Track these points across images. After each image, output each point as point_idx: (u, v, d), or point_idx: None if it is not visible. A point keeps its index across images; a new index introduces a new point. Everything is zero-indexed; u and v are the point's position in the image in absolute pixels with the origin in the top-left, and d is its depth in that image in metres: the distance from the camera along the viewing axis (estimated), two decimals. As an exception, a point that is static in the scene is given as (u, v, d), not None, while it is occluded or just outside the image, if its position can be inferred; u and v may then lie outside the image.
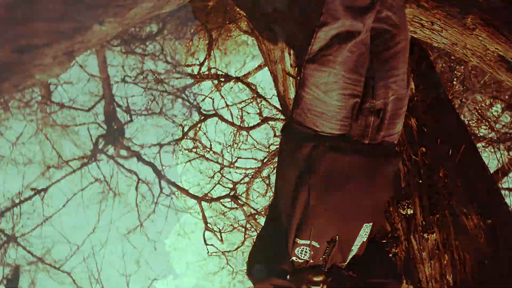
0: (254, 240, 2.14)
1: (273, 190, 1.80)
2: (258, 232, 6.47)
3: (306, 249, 1.68)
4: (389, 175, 1.73)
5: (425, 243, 2.00)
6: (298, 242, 1.67)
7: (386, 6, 1.63)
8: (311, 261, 1.71)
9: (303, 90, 1.59)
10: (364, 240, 1.75)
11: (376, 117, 1.60)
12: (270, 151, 6.72)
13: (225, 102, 6.68)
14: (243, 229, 6.79)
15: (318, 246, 1.67)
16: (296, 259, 1.72)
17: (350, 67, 1.54)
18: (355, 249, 1.76)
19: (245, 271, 1.89)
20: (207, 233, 6.53)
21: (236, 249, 6.88)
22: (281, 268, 1.74)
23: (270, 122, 6.69)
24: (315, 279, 1.68)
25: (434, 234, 1.99)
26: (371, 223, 1.73)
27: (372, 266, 1.89)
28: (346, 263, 1.78)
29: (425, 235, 2.01)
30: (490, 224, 1.98)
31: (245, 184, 6.84)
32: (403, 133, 1.92)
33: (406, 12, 2.00)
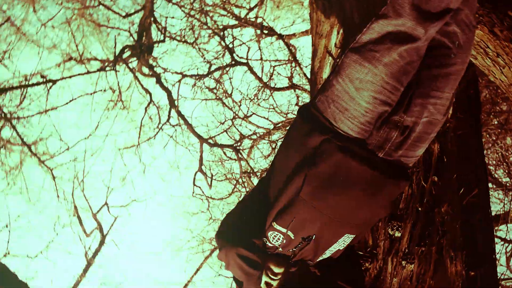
0: (238, 202, 2.08)
1: (272, 160, 1.70)
2: (247, 191, 6.47)
3: (279, 236, 1.61)
4: (392, 196, 1.62)
5: (400, 270, 1.92)
6: (274, 226, 1.60)
7: (457, 21, 1.46)
8: (280, 249, 1.65)
9: (335, 78, 1.46)
10: (341, 248, 1.68)
11: (400, 133, 1.47)
12: (287, 118, 6.59)
13: (261, 55, 6.49)
14: (234, 182, 6.79)
15: (293, 238, 1.60)
16: (266, 241, 1.65)
17: (393, 72, 1.40)
18: (328, 253, 1.69)
19: (216, 231, 1.84)
20: (198, 174, 6.54)
21: (221, 198, 6.91)
22: (252, 241, 1.68)
23: (297, 90, 6.52)
24: (275, 270, 1.61)
25: (413, 265, 1.91)
26: (354, 235, 1.64)
27: (339, 271, 1.83)
28: (314, 262, 1.72)
29: (404, 262, 1.93)
30: (472, 277, 1.89)
31: (251, 141, 6.77)
32: (421, 155, 1.80)
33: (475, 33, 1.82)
